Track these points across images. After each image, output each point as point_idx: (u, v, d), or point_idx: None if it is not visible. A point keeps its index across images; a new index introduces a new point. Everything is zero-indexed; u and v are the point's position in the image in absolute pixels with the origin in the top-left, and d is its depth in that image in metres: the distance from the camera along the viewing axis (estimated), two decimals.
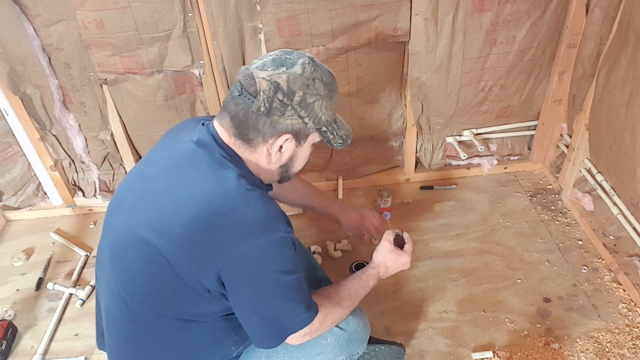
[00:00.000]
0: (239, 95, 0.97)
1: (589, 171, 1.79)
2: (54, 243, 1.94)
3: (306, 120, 0.99)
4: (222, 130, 1.01)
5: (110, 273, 1.05)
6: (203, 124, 1.05)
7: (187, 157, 1.00)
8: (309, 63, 0.98)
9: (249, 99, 0.96)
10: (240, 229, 0.93)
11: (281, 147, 1.01)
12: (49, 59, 1.68)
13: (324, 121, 1.02)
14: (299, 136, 1.02)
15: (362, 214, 1.48)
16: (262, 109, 0.95)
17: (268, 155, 1.02)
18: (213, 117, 1.08)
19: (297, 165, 1.09)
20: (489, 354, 1.43)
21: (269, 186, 1.12)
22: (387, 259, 1.24)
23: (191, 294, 0.97)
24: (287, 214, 1.94)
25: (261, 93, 0.95)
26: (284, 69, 0.96)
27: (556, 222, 1.86)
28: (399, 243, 1.28)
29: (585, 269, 1.67)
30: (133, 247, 0.98)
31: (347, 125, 1.12)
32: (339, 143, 1.09)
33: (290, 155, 1.04)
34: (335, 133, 1.07)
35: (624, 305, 1.54)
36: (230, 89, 1.01)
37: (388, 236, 1.27)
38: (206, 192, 0.95)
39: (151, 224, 0.96)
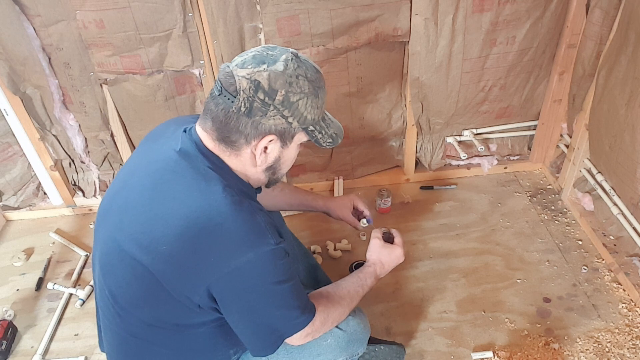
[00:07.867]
0: (219, 94, 0.92)
1: (589, 171, 1.79)
2: (54, 243, 1.94)
3: (290, 120, 0.94)
4: (205, 135, 0.97)
5: (101, 284, 1.04)
6: (185, 131, 1.01)
7: (170, 169, 0.96)
8: (292, 59, 0.93)
9: (228, 98, 0.91)
10: (228, 245, 0.90)
11: (266, 148, 0.96)
12: (49, 59, 1.68)
13: (310, 120, 0.96)
14: (284, 136, 0.96)
15: (350, 196, 1.45)
16: (242, 109, 0.91)
17: (253, 158, 0.97)
18: (196, 116, 1.04)
19: (285, 167, 1.04)
20: (489, 354, 1.43)
21: (259, 189, 1.08)
22: (380, 255, 1.24)
23: (182, 307, 0.95)
24: (287, 214, 1.92)
25: (241, 92, 0.90)
26: (265, 66, 0.90)
27: (556, 222, 1.86)
28: (388, 240, 1.29)
29: (585, 269, 1.67)
30: (120, 262, 0.97)
31: (337, 122, 1.07)
32: (329, 142, 1.03)
33: (276, 156, 0.99)
34: (324, 132, 1.01)
35: (624, 305, 1.54)
36: (212, 89, 0.96)
37: (376, 234, 1.27)
38: (192, 207, 0.91)
39: (137, 241, 0.94)
